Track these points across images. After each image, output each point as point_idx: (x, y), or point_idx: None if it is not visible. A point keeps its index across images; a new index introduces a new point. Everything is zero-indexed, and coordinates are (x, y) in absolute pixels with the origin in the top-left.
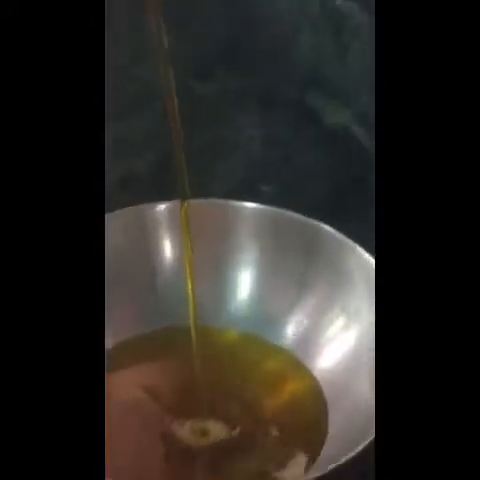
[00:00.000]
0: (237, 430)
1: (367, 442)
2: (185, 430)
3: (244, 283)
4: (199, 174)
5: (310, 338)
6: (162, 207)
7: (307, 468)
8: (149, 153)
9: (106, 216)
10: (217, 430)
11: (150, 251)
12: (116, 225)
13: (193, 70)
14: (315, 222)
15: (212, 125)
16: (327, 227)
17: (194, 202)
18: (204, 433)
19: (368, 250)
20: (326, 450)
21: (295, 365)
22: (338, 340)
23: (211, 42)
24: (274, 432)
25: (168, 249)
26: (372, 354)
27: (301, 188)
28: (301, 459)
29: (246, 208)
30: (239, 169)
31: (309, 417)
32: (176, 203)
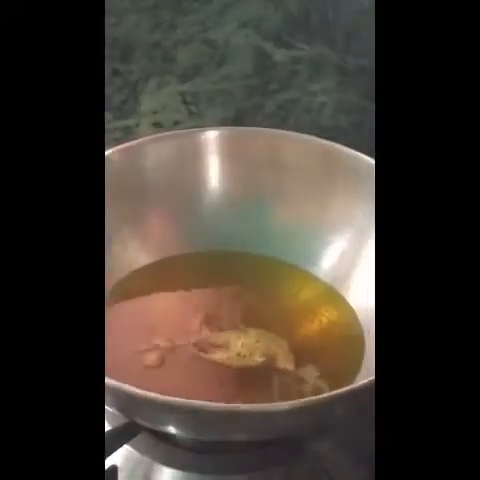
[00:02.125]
0: (273, 354)
1: None
2: (222, 351)
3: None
4: None
5: (346, 268)
6: (214, 133)
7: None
8: None
9: (159, 136)
10: (253, 351)
11: (199, 175)
12: (169, 145)
13: None
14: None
15: None
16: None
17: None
18: (241, 354)
19: None
20: (360, 377)
21: (331, 294)
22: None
23: None
24: (311, 356)
25: (215, 174)
26: None
27: None
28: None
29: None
30: None
31: (345, 343)
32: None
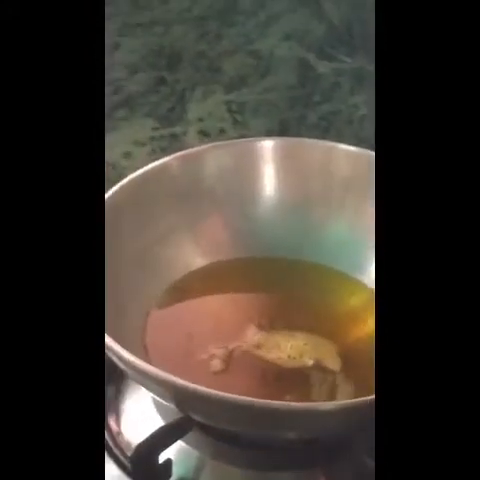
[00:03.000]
0: (320, 357)
1: None
2: (273, 353)
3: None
4: None
5: None
6: (269, 143)
7: None
8: None
9: (217, 145)
10: (302, 353)
11: (254, 183)
12: (227, 154)
13: None
14: None
15: None
16: None
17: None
18: (291, 356)
19: None
20: None
21: None
22: None
23: None
24: (358, 360)
25: (269, 183)
26: None
27: None
28: None
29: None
30: None
31: None
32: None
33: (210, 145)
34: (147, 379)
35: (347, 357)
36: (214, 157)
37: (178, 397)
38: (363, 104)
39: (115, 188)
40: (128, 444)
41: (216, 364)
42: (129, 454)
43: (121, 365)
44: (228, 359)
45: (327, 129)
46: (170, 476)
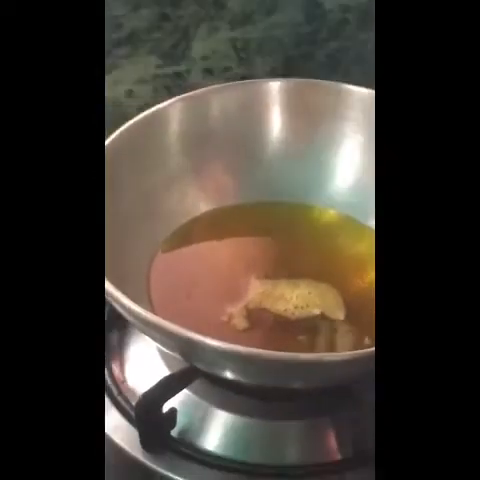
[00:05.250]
0: (326, 305)
1: None
2: (280, 303)
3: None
4: None
5: None
6: (276, 84)
7: None
8: None
9: (222, 87)
10: (308, 303)
11: (260, 126)
12: (231, 96)
13: None
14: None
15: None
16: None
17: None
18: (298, 306)
19: None
20: None
21: None
22: None
23: None
24: (363, 307)
25: (275, 125)
26: None
27: None
28: None
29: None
30: None
31: None
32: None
33: (214, 87)
34: (151, 329)
35: (352, 305)
36: (218, 99)
37: (183, 347)
38: (371, 40)
39: (116, 133)
40: (132, 393)
41: (233, 320)
42: (133, 403)
43: (124, 313)
44: (237, 315)
45: (334, 67)
46: (174, 425)
